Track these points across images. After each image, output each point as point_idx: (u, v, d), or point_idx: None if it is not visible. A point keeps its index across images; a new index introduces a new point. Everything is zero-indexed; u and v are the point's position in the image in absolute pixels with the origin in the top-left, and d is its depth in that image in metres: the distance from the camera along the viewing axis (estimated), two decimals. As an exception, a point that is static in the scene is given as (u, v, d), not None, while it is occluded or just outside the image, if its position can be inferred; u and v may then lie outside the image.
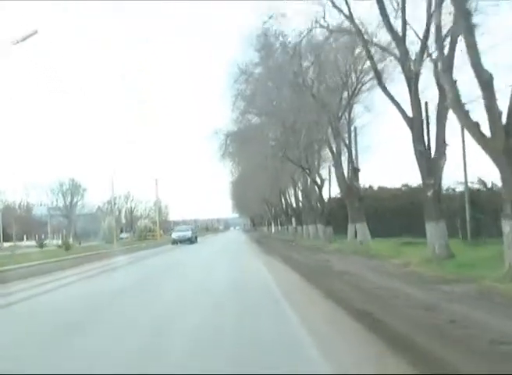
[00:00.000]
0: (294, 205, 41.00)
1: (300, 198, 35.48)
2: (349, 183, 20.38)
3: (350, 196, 19.72)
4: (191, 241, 41.71)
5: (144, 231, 69.07)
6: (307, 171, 26.03)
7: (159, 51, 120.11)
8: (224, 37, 37.04)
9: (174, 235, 43.99)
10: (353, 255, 17.05)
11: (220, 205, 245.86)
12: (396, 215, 28.23)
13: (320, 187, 26.73)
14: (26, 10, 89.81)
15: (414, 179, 29.84)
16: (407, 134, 12.57)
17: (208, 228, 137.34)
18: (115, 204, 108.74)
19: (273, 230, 73.53)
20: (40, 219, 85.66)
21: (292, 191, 41.62)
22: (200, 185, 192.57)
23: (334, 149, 21.44)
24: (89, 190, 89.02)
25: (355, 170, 19.80)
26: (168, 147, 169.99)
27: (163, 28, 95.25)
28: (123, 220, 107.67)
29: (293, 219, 47.62)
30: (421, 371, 4.00)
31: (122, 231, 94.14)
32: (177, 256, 25.55)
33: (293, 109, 21.27)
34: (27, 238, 74.98)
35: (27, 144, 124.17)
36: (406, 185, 30.02)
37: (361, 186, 26.76)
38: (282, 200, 46.22)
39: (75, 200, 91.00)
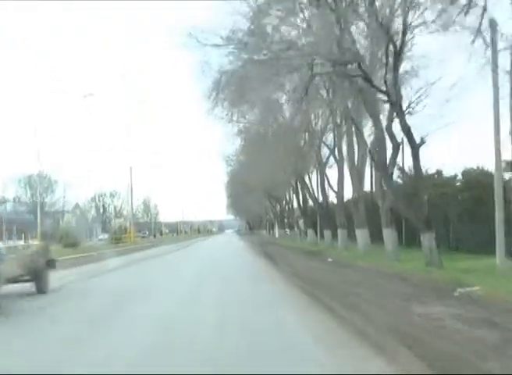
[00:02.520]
0: (321, 198, 27.11)
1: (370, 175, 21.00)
2: None
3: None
4: None
5: (117, 233, 55.43)
6: (391, 104, 11.45)
7: (159, 51, 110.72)
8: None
9: None
10: None
11: (215, 207, 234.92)
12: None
13: (418, 148, 12.40)
14: (26, 10, 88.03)
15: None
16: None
17: (200, 230, 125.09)
18: (99, 201, 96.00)
19: (277, 235, 59.21)
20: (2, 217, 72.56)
21: (315, 177, 27.90)
22: (194, 186, 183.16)
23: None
24: (76, 187, 76.60)
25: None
26: (164, 146, 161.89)
27: (163, 28, 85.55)
28: (108, 220, 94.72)
29: (301, 221, 34.05)
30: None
31: (107, 231, 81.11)
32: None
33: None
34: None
35: (15, 140, 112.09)
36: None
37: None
38: (299, 191, 32.48)
39: (43, 195, 77.75)
